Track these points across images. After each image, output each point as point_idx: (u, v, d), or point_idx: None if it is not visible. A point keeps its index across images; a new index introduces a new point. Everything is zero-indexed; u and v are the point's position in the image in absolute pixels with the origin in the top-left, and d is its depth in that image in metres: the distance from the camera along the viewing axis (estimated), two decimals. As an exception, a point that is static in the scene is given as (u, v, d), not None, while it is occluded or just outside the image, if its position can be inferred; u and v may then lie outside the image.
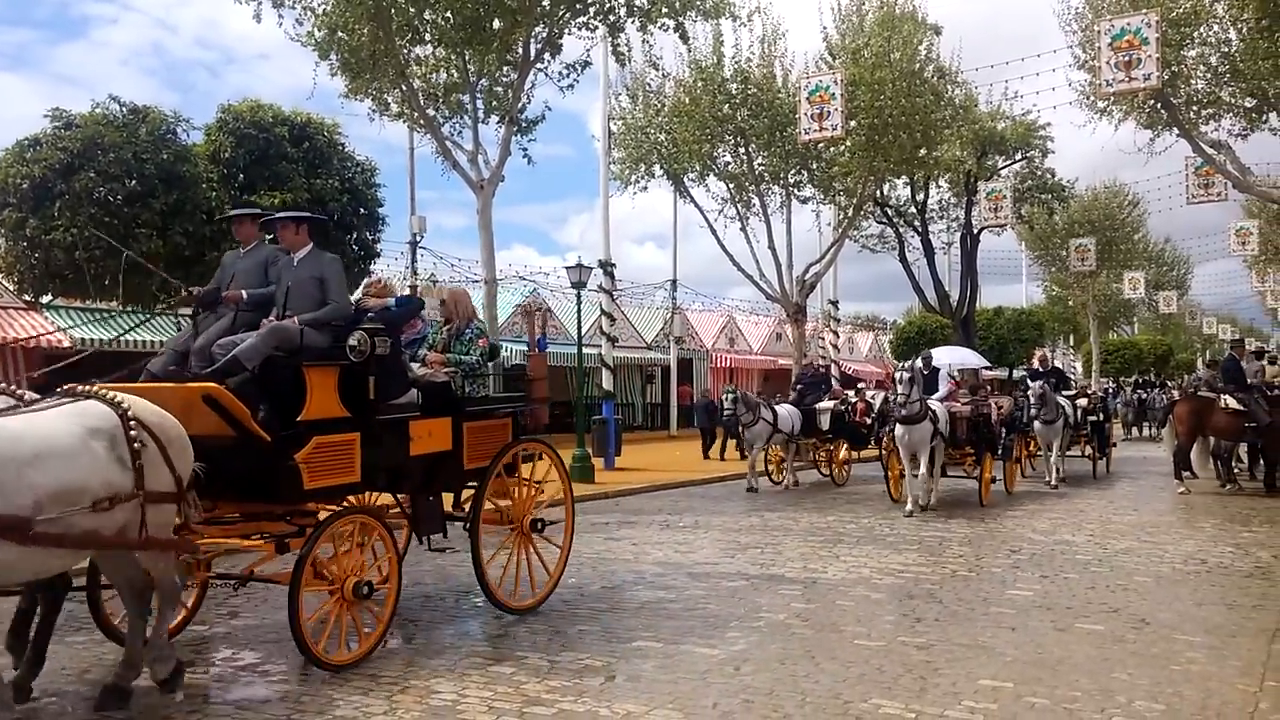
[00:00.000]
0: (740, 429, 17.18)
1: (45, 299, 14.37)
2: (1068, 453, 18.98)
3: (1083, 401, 19.75)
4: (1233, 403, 15.89)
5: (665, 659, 6.50)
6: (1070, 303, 52.45)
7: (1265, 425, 15.66)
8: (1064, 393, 18.83)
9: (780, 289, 25.56)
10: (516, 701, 5.64)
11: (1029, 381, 18.73)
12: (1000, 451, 15.93)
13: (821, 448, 18.72)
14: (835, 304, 34.08)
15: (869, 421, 19.37)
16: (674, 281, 34.53)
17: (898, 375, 13.63)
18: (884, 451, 19.04)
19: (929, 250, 35.18)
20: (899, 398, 13.47)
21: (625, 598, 8.46)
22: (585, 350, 21.51)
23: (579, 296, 20.33)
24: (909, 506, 13.58)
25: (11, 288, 13.11)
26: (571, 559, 10.31)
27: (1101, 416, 20.35)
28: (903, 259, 35.04)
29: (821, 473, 18.79)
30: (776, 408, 17.23)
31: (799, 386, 19.24)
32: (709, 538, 11.86)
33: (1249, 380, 16.36)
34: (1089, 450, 19.81)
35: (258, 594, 8.29)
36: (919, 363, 14.90)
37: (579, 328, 20.99)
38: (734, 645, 6.82)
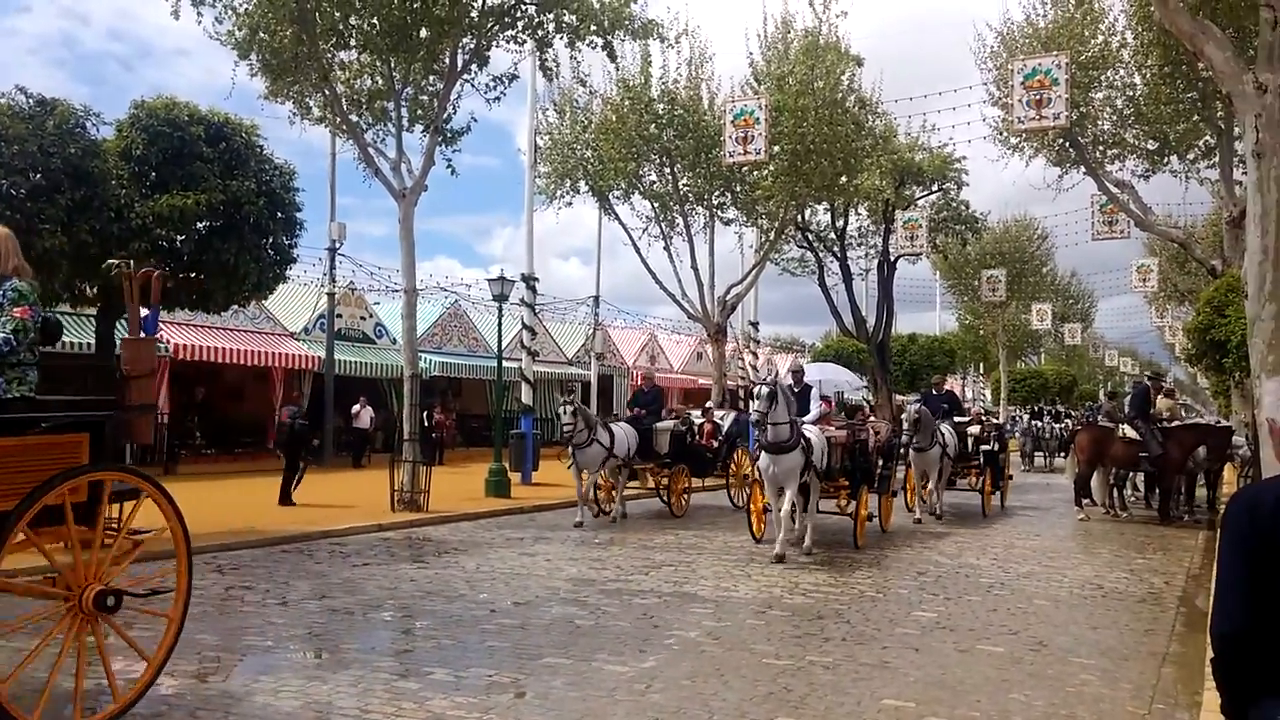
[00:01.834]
0: (572, 449, 14.57)
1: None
2: (957, 485, 17.75)
3: (974, 429, 18.08)
4: (1130, 432, 16.51)
5: (575, 676, 6.46)
6: (981, 332, 53.86)
7: (1158, 456, 16.30)
8: (956, 419, 17.48)
9: (702, 308, 25.77)
10: (421, 717, 5.55)
11: (906, 405, 17.09)
12: (877, 483, 14.10)
13: (660, 473, 16.34)
14: (755, 325, 34.43)
15: (715, 445, 17.61)
16: (596, 298, 34.59)
17: (755, 390, 11.16)
18: (730, 479, 17.66)
19: (847, 275, 35.75)
20: (754, 416, 11.05)
21: (537, 614, 8.39)
22: (505, 364, 21.38)
23: (500, 309, 20.21)
24: (778, 548, 11.32)
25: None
26: (485, 574, 10.26)
27: (996, 446, 18.23)
28: (822, 283, 35.52)
29: (663, 500, 16.53)
30: (613, 427, 15.12)
31: (636, 406, 16.76)
32: (624, 554, 11.86)
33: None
34: (979, 483, 17.64)
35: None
36: (787, 377, 13.27)
37: (499, 341, 20.87)
38: (644, 663, 6.81)
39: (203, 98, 15.02)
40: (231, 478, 20.61)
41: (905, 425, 15.14)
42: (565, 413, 14.35)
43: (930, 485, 15.95)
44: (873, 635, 7.83)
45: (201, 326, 22.24)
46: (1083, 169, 22.33)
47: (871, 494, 13.69)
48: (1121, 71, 21.12)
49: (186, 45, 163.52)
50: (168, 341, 21.58)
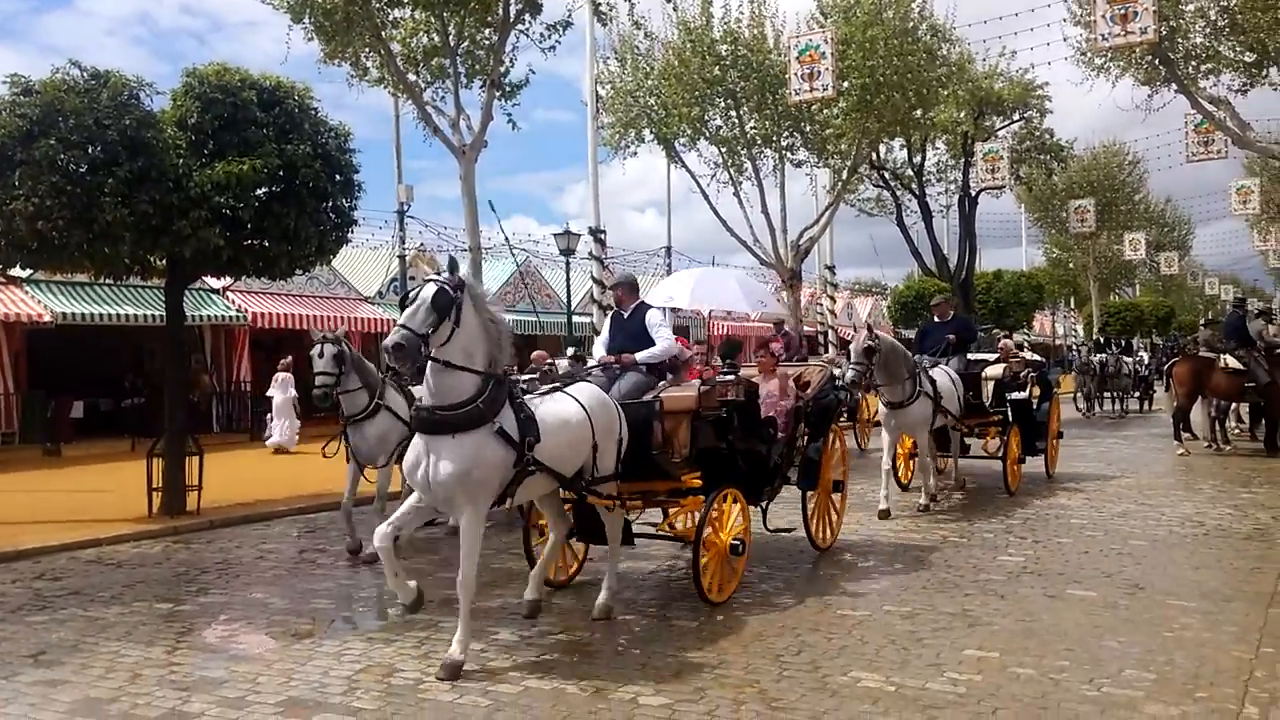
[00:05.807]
0: (344, 428, 9.30)
1: (15, 272, 14.07)
2: (970, 452, 13.18)
3: (993, 371, 12.71)
4: (1233, 362, 15.64)
5: (646, 631, 6.27)
6: (1071, 265, 52.04)
7: (1265, 384, 15.40)
8: (967, 354, 12.56)
9: (775, 254, 25.17)
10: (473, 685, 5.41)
11: (846, 345, 12.45)
12: (798, 478, 8.32)
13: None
14: (831, 269, 33.70)
15: None
16: (668, 248, 34.21)
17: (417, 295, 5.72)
18: None
19: (926, 213, 34.74)
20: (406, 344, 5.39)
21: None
22: (576, 319, 21.23)
23: (567, 264, 20.03)
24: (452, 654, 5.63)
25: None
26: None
27: (1036, 394, 12.61)
28: (900, 223, 34.60)
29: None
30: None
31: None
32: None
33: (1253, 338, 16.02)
34: (1000, 447, 12.41)
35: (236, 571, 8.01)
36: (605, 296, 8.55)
37: (568, 296, 20.71)
38: (717, 617, 6.56)
39: (273, 68, 14.89)
40: (316, 441, 20.89)
41: (852, 359, 10.06)
42: (320, 357, 8.79)
43: (920, 457, 11.09)
44: (954, 582, 7.46)
45: (277, 294, 22.47)
46: (1174, 87, 21.07)
47: (769, 498, 8.10)
48: (1215, -21, 19.81)
49: (256, 17, 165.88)
50: (245, 310, 21.90)
